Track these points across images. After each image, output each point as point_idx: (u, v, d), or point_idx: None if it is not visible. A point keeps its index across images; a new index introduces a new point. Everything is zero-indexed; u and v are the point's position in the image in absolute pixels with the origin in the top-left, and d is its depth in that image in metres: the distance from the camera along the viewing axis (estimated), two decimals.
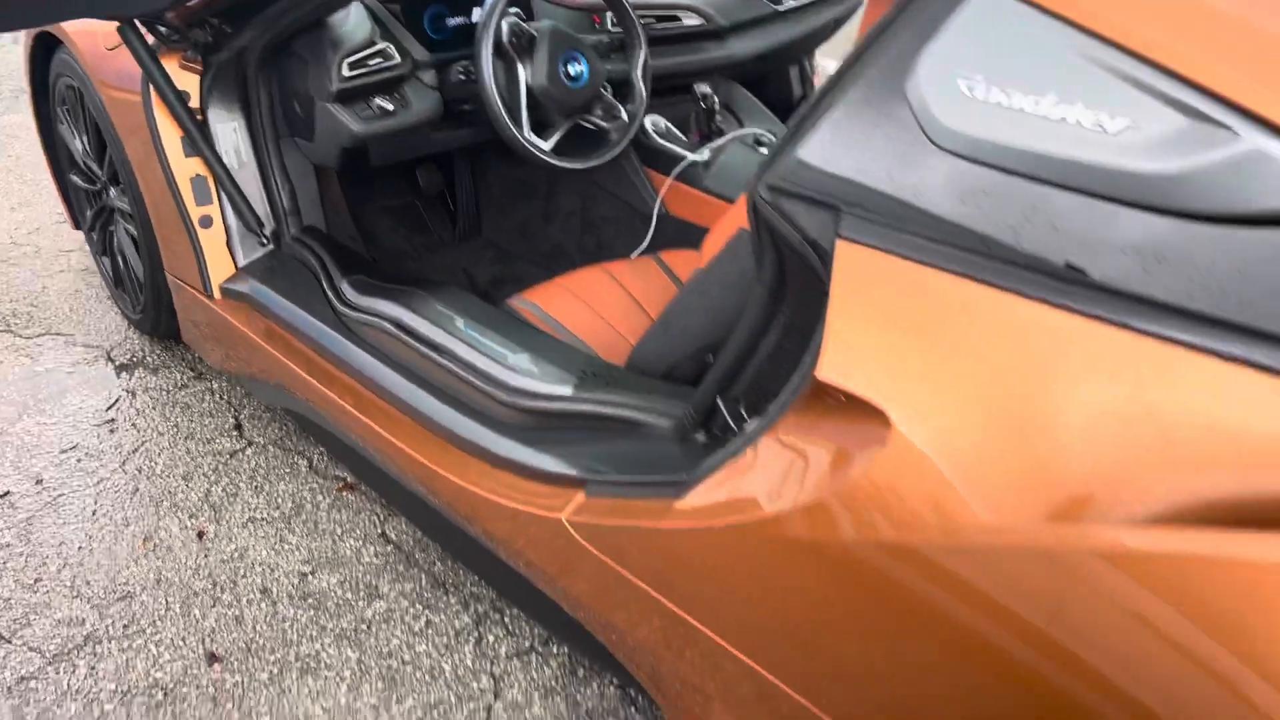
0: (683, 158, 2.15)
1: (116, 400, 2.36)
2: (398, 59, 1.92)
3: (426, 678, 1.66)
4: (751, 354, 1.19)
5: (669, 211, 2.20)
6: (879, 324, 0.94)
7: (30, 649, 1.70)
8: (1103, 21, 0.85)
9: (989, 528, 0.83)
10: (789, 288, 1.11)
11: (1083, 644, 0.78)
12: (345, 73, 1.83)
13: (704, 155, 2.14)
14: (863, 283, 0.96)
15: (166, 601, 1.80)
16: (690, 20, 2.30)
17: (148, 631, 1.74)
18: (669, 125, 2.23)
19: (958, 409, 0.87)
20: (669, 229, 2.19)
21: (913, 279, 0.93)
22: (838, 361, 0.95)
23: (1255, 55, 0.80)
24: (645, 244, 2.19)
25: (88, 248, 2.90)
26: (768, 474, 1.04)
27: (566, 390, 1.45)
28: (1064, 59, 0.87)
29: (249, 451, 2.20)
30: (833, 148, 1.00)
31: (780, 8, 2.43)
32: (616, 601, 1.29)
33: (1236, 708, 0.69)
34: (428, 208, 2.54)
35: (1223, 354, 0.76)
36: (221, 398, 2.38)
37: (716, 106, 2.21)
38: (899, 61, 0.96)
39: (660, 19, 2.27)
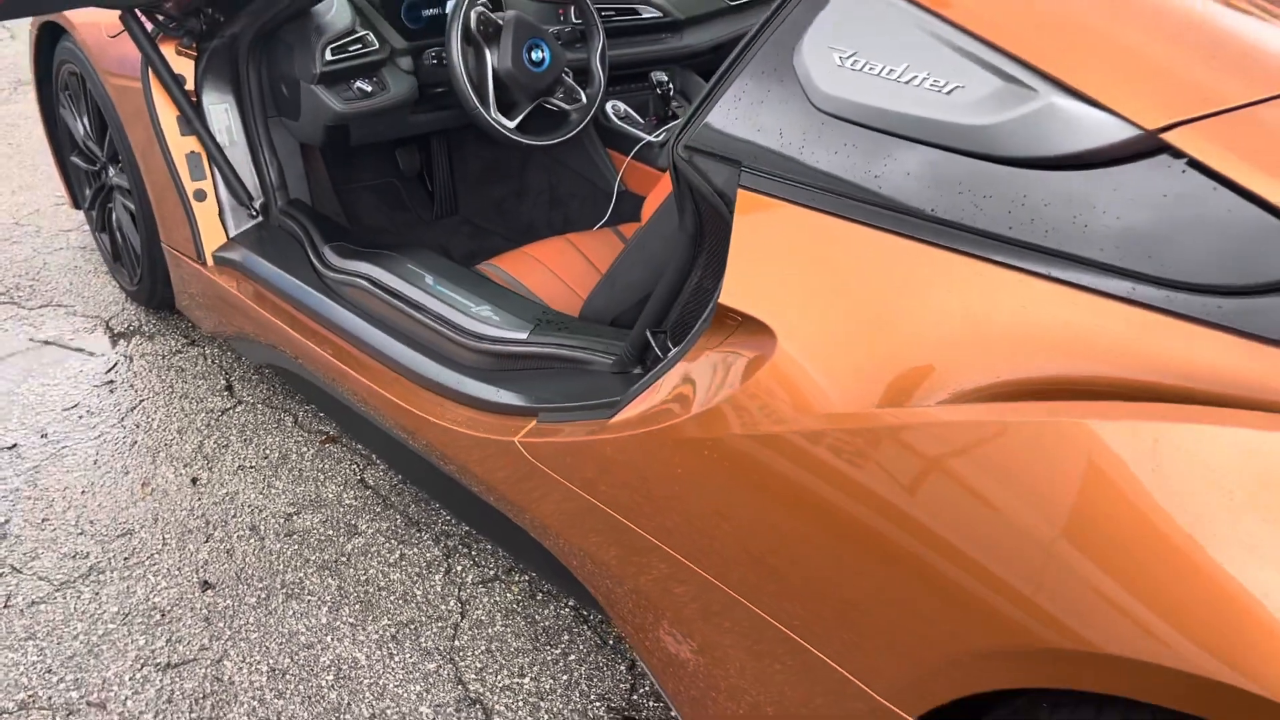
0: (640, 139, 2.34)
1: (115, 364, 2.54)
2: (376, 45, 2.10)
3: (400, 601, 1.84)
4: (677, 293, 1.38)
5: (628, 188, 2.38)
6: (769, 257, 1.13)
7: (40, 578, 1.88)
8: (943, 4, 1.04)
9: (847, 415, 1.01)
10: (705, 233, 1.30)
11: (913, 501, 0.96)
12: (328, 57, 2.01)
13: (659, 137, 2.33)
14: (757, 224, 1.15)
15: (164, 538, 1.98)
16: (648, 13, 2.49)
17: (146, 563, 1.92)
18: (629, 110, 2.41)
19: (827, 322, 1.06)
20: (628, 204, 2.38)
21: (796, 220, 1.11)
22: (736, 289, 1.14)
23: (1056, 28, 0.99)
24: (606, 218, 2.37)
25: (86, 226, 3.07)
26: (680, 389, 1.23)
27: (523, 335, 1.63)
28: (914, 35, 1.06)
29: (239, 409, 2.38)
30: (735, 113, 1.19)
31: (734, 1, 2.62)
32: (564, 514, 1.47)
33: (1020, 536, 0.88)
34: (407, 187, 2.72)
35: (1028, 270, 0.95)
36: (213, 362, 2.56)
37: (672, 92, 2.40)
38: (787, 39, 1.15)
39: (619, 12, 2.46)
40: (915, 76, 1.05)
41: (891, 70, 1.06)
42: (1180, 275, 0.88)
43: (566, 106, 2.18)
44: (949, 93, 1.02)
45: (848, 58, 1.10)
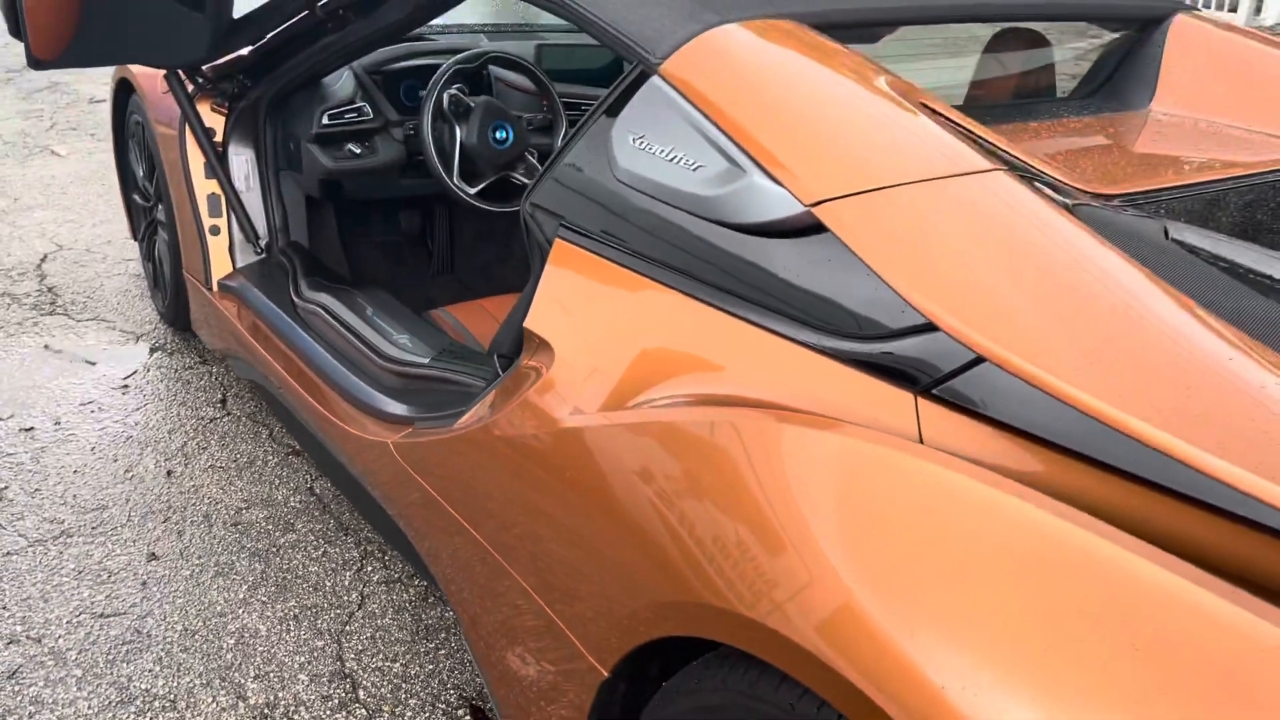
0: None
1: (134, 372, 2.90)
2: (371, 115, 2.45)
3: (310, 589, 2.09)
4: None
5: None
6: (561, 292, 1.38)
7: (19, 535, 2.19)
8: (700, 99, 1.30)
9: (599, 414, 1.25)
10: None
11: (611, 479, 1.18)
12: (324, 121, 2.37)
13: None
14: (561, 266, 1.41)
15: (130, 515, 2.28)
16: None
17: (109, 534, 2.21)
18: None
19: (585, 344, 1.30)
20: None
21: (584, 263, 1.37)
22: (536, 316, 1.40)
23: (766, 120, 1.23)
24: None
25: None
26: (496, 399, 1.48)
27: (425, 360, 1.90)
28: (680, 124, 1.31)
29: (225, 420, 2.70)
30: (565, 179, 1.46)
31: None
32: (422, 513, 1.71)
33: (668, 506, 1.10)
34: (410, 246, 3.05)
35: (731, 312, 1.18)
36: (216, 379, 2.90)
37: None
38: (605, 126, 1.42)
39: None
40: (677, 156, 1.30)
41: (664, 150, 1.32)
42: (829, 323, 1.11)
43: (528, 181, 2.48)
44: (695, 170, 1.27)
45: (638, 139, 1.36)
